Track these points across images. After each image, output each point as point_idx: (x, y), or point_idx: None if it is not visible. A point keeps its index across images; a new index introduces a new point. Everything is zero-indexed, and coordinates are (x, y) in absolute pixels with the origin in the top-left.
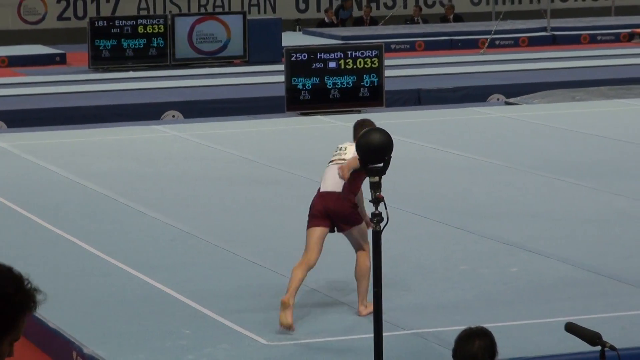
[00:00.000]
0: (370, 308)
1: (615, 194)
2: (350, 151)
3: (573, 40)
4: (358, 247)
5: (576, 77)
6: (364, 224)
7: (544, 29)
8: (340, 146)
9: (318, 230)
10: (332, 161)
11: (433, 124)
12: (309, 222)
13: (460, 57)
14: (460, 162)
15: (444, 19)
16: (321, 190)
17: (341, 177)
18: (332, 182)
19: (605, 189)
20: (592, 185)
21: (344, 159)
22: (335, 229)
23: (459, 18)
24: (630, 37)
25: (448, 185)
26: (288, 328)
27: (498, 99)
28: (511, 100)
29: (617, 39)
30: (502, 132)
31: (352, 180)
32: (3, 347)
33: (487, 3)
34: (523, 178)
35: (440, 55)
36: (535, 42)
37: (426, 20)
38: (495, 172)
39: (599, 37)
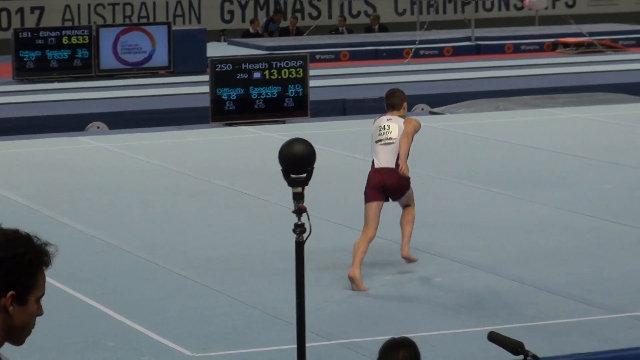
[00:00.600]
0: (413, 257)
1: (539, 203)
2: (393, 129)
3: (497, 50)
4: (406, 204)
5: (500, 86)
6: (411, 189)
7: (468, 39)
8: (382, 125)
9: (375, 205)
10: (379, 141)
11: (358, 134)
12: (366, 196)
13: (385, 67)
14: None
15: (368, 29)
16: (376, 166)
17: (402, 172)
18: (385, 159)
19: (529, 198)
20: (516, 194)
21: (390, 138)
22: (390, 199)
23: (383, 28)
24: (554, 47)
25: (353, 192)
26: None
27: (423, 109)
28: (436, 109)
29: (541, 49)
30: (426, 142)
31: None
32: (30, 305)
33: (412, 13)
34: (448, 187)
35: (365, 65)
36: (460, 52)
37: (351, 30)
38: (420, 182)
39: (523, 47)
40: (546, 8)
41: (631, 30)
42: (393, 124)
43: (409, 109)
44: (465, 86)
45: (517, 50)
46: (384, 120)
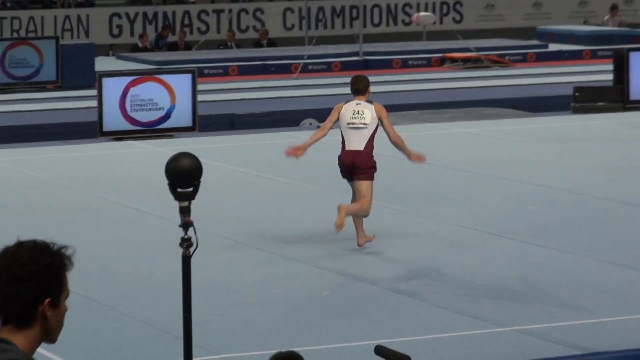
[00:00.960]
0: (369, 237)
1: (426, 218)
2: (367, 114)
3: (385, 65)
4: (361, 196)
5: (388, 101)
6: (371, 183)
7: (356, 54)
8: (354, 109)
9: (351, 184)
10: (351, 124)
11: (246, 148)
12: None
13: (273, 82)
14: (272, 186)
15: (257, 44)
16: (347, 148)
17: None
18: (357, 142)
19: (416, 213)
20: (403, 209)
21: (364, 123)
22: (353, 178)
23: (272, 43)
24: (441, 62)
25: (260, 209)
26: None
27: (311, 124)
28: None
29: (429, 64)
30: (313, 156)
31: (373, 138)
32: (62, 306)
33: (300, 28)
34: (335, 201)
35: (254, 80)
36: (348, 67)
37: (240, 45)
38: (308, 196)
39: (410, 62)
40: (434, 23)
41: (518, 46)
42: (366, 110)
43: (297, 124)
44: None
45: (405, 65)
46: (353, 105)
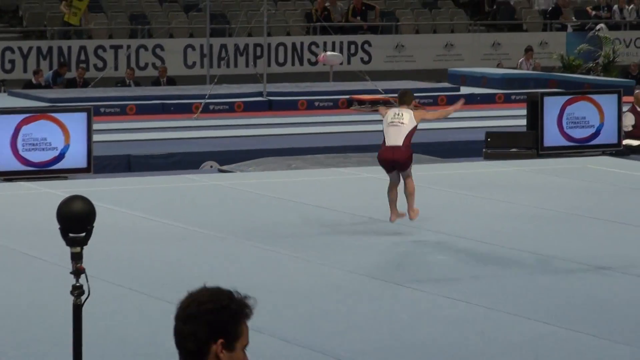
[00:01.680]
0: (418, 211)
1: (330, 266)
2: (406, 116)
3: (290, 106)
4: (406, 177)
5: (293, 144)
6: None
7: (260, 94)
8: (396, 112)
9: (390, 174)
10: (392, 122)
11: (144, 191)
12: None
13: (173, 122)
14: (171, 231)
15: (156, 82)
16: (387, 144)
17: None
18: (395, 138)
19: (320, 261)
20: (307, 257)
21: (401, 122)
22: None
23: (171, 81)
24: (348, 104)
25: (157, 256)
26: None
27: (212, 166)
28: (225, 167)
29: (336, 105)
30: (215, 201)
31: (410, 137)
32: (237, 353)
33: (202, 66)
34: (237, 249)
35: (153, 119)
36: (251, 108)
37: (138, 82)
38: (208, 242)
39: (316, 103)
40: (341, 63)
41: (428, 88)
42: (405, 113)
43: (197, 166)
44: (256, 143)
45: (310, 106)
46: (396, 109)
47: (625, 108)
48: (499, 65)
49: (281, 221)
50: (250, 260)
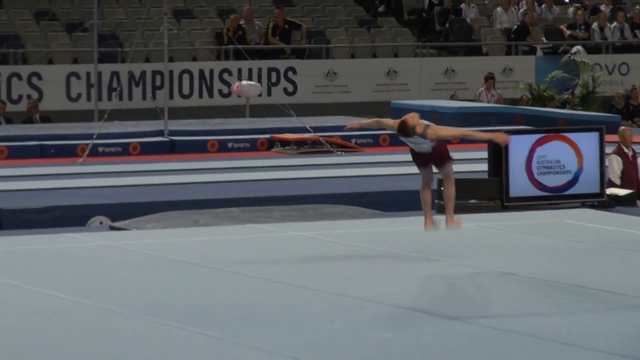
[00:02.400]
0: (460, 222)
1: (249, 347)
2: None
3: (197, 148)
4: (445, 174)
5: (201, 195)
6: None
7: (160, 133)
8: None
9: (422, 171)
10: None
11: (17, 254)
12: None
13: (52, 168)
14: (51, 304)
15: (27, 121)
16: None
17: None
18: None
19: (236, 340)
20: (219, 335)
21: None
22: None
23: (47, 119)
24: (269, 145)
25: (32, 335)
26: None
27: (101, 223)
28: (117, 224)
29: (254, 147)
30: (105, 266)
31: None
32: None
33: (88, 99)
34: (131, 325)
35: (28, 165)
36: (150, 150)
37: (10, 119)
38: (96, 318)
39: (230, 145)
40: (260, 95)
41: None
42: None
43: (84, 222)
44: (156, 194)
45: (223, 148)
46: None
47: (609, 149)
48: (453, 97)
49: (187, 292)
50: (148, 338)
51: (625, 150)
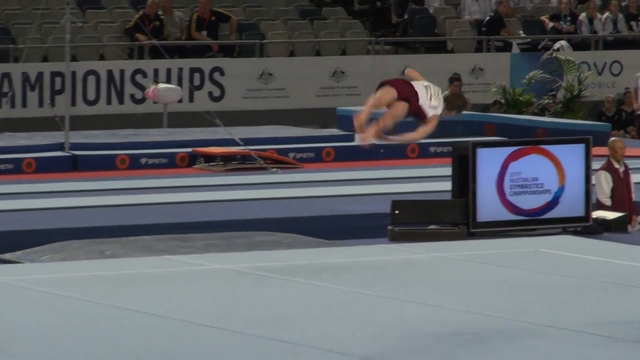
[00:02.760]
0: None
1: None
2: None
3: (104, 165)
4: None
5: (108, 220)
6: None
7: (60, 147)
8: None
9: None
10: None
11: None
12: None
13: None
14: None
15: None
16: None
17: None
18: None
19: None
20: None
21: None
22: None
23: None
24: (191, 160)
25: None
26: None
27: None
28: (7, 255)
29: (172, 163)
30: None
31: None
32: None
33: None
34: None
35: None
36: (47, 167)
37: None
38: None
39: (144, 160)
40: (180, 101)
41: (308, 137)
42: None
43: None
44: (54, 220)
45: (134, 164)
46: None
47: (597, 165)
48: None
49: (89, 336)
50: None
51: (616, 165)
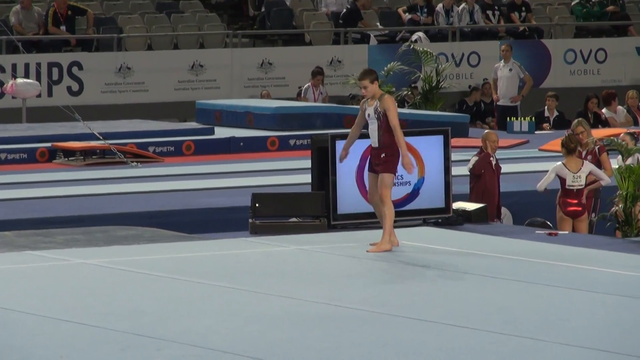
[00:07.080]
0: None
1: None
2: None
3: None
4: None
5: None
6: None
7: None
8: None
9: (371, 175)
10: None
11: None
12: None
13: None
14: None
15: None
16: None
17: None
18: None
19: None
20: None
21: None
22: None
23: None
24: (51, 156)
25: None
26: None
27: None
28: None
29: (32, 158)
30: None
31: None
32: None
33: None
34: None
35: None
36: None
37: None
38: None
39: (3, 156)
40: (38, 96)
41: (167, 131)
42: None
43: None
44: None
45: None
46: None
47: (456, 156)
48: (263, 95)
49: None
50: None
51: (490, 158)
